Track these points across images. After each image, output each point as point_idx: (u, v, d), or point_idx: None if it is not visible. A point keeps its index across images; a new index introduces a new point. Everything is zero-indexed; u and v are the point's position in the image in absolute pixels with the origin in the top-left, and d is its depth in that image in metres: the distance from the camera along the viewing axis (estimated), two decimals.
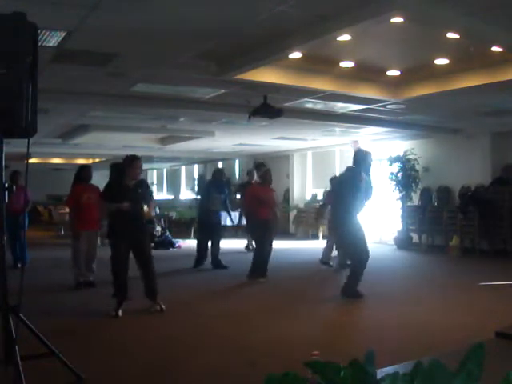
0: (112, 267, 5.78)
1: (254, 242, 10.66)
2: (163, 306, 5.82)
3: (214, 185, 9.49)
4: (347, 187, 6.54)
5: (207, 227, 9.29)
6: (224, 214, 10.08)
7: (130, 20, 4.80)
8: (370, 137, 13.10)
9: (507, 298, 6.32)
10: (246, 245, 11.90)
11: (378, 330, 5.06)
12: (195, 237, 14.09)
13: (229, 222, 11.33)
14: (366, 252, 6.48)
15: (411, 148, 12.40)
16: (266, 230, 8.00)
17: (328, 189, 9.96)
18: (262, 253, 8.02)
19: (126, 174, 5.79)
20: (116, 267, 5.75)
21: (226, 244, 11.72)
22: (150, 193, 6.38)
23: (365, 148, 7.24)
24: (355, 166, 6.62)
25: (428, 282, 7.92)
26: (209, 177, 18.54)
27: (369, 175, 6.61)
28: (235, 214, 11.99)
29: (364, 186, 6.44)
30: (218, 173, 9.82)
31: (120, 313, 5.64)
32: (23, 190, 8.67)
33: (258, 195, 8.09)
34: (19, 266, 8.68)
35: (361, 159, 6.61)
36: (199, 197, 10.83)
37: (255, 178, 11.61)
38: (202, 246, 9.37)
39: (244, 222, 12.14)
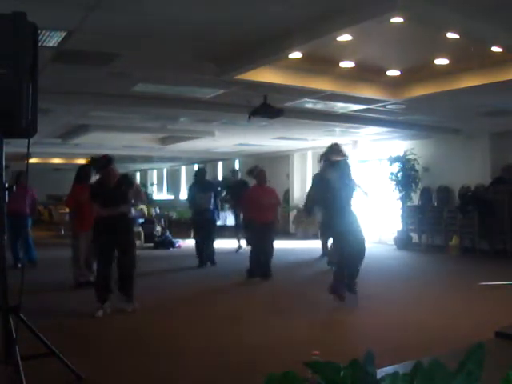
0: (97, 265, 5.84)
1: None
2: (136, 306, 5.80)
3: (197, 184, 9.61)
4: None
5: (200, 226, 9.43)
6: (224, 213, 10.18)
7: (130, 20, 4.80)
8: (370, 137, 13.09)
9: (507, 298, 6.32)
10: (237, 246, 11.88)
11: (377, 330, 5.06)
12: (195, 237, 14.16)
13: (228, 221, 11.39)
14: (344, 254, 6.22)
15: (411, 148, 12.40)
16: (260, 232, 8.05)
17: None
18: (253, 254, 8.13)
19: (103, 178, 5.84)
20: (99, 266, 5.79)
21: (229, 244, 11.78)
22: (131, 182, 6.17)
23: (333, 144, 6.78)
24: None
25: (428, 282, 7.92)
26: (209, 176, 18.61)
27: (342, 173, 6.25)
28: (225, 214, 12.09)
29: (326, 185, 6.18)
30: (199, 173, 9.94)
31: (100, 313, 5.61)
32: (26, 190, 8.90)
33: (256, 199, 8.17)
34: (19, 265, 8.72)
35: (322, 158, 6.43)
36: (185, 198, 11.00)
37: (239, 176, 11.74)
38: (198, 246, 9.48)
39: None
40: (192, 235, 14.35)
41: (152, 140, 14.34)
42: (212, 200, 9.50)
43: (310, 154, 16.54)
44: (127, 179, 6.08)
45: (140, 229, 12.63)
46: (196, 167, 21.87)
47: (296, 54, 6.01)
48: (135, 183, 6.18)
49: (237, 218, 11.79)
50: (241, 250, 11.52)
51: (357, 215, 6.37)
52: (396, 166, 12.34)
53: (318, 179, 6.53)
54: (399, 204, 12.46)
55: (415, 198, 12.59)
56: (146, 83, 7.34)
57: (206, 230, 9.39)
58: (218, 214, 10.12)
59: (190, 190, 9.86)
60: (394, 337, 4.80)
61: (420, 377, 1.23)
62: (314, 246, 12.73)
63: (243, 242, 11.64)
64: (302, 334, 4.97)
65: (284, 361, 3.86)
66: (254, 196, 8.31)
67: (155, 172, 25.96)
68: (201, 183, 9.63)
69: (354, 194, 6.36)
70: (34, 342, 3.44)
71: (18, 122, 3.12)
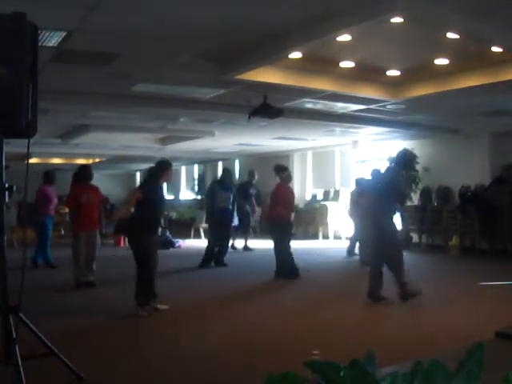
0: (148, 268, 5.69)
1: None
2: (163, 307, 5.83)
3: (219, 183, 9.63)
4: (388, 188, 6.25)
5: (219, 226, 9.34)
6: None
7: (129, 20, 4.80)
8: (370, 137, 13.10)
9: (507, 298, 6.32)
10: (244, 245, 11.85)
11: (378, 330, 5.06)
12: (195, 237, 14.15)
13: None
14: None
15: (411, 148, 12.38)
16: (289, 229, 8.17)
17: (354, 189, 10.03)
18: (287, 252, 8.08)
19: (160, 178, 5.95)
20: (150, 265, 5.71)
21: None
22: None
23: (409, 149, 6.73)
24: (396, 167, 6.41)
25: (427, 282, 7.90)
26: (209, 176, 18.63)
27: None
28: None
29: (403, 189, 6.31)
30: (225, 172, 10.01)
31: (145, 313, 5.60)
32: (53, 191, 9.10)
33: (293, 198, 8.34)
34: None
35: (402, 160, 6.41)
36: (200, 197, 10.89)
37: (256, 177, 11.69)
38: (211, 247, 9.41)
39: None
40: (192, 234, 14.47)
41: (152, 140, 14.34)
42: (231, 201, 9.59)
43: (309, 153, 16.55)
44: None
45: None
46: (197, 168, 22.03)
47: (296, 54, 6.01)
48: None
49: (245, 218, 11.73)
50: (238, 250, 11.57)
51: None
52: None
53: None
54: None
55: (415, 198, 12.59)
56: (146, 83, 7.34)
57: (222, 230, 9.35)
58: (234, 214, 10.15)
59: (212, 188, 9.79)
60: (394, 336, 4.80)
61: (420, 377, 1.23)
62: (313, 246, 12.73)
63: (239, 243, 11.66)
64: (302, 333, 4.97)
65: (284, 361, 3.87)
66: (291, 195, 8.36)
67: None
68: (223, 183, 9.63)
69: None
70: (34, 342, 3.44)
71: (18, 122, 3.12)
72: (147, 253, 5.67)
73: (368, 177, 9.76)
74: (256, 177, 11.75)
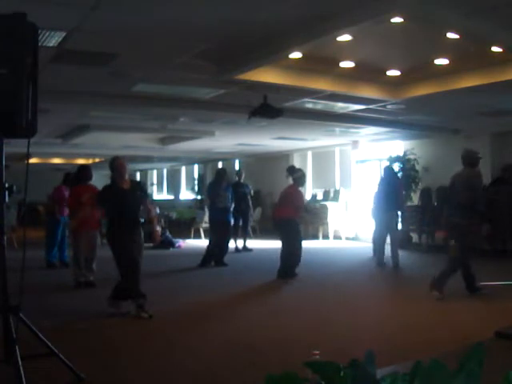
0: (125, 270, 5.55)
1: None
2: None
3: (218, 183, 9.64)
4: (472, 188, 6.35)
5: (220, 225, 9.35)
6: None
7: (129, 20, 4.80)
8: (370, 137, 13.10)
9: (507, 297, 6.32)
10: (243, 245, 11.82)
11: (377, 330, 5.06)
12: (195, 237, 14.16)
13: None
14: None
15: (411, 148, 12.38)
16: (298, 229, 8.17)
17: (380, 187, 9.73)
18: (295, 252, 8.08)
19: (116, 177, 5.68)
20: (131, 268, 5.55)
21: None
22: (148, 195, 6.30)
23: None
24: (472, 167, 6.42)
25: (428, 282, 7.90)
26: (209, 176, 18.63)
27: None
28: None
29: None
30: (222, 172, 10.00)
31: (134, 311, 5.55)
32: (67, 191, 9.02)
33: (301, 197, 8.35)
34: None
35: (470, 159, 6.44)
36: (200, 197, 10.88)
37: (243, 176, 11.73)
38: (212, 246, 9.42)
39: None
40: (192, 234, 14.48)
41: (152, 140, 14.34)
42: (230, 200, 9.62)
43: (309, 153, 16.55)
44: (141, 187, 6.14)
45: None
46: (197, 168, 22.02)
47: (296, 54, 6.01)
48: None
49: (244, 219, 11.70)
50: (240, 250, 11.55)
51: None
52: (396, 166, 12.34)
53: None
54: None
55: (415, 198, 12.58)
56: (146, 83, 7.34)
57: (222, 230, 9.37)
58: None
59: (212, 188, 9.79)
60: (394, 337, 4.80)
61: (420, 377, 1.23)
62: (312, 246, 12.73)
63: (239, 243, 11.65)
64: (302, 333, 4.97)
65: (284, 361, 3.87)
66: (301, 196, 8.41)
67: (155, 172, 25.97)
68: (221, 182, 9.65)
69: None
70: (34, 342, 3.44)
71: (18, 122, 3.12)
72: (122, 254, 5.55)
73: (381, 175, 9.68)
74: (243, 176, 11.77)
